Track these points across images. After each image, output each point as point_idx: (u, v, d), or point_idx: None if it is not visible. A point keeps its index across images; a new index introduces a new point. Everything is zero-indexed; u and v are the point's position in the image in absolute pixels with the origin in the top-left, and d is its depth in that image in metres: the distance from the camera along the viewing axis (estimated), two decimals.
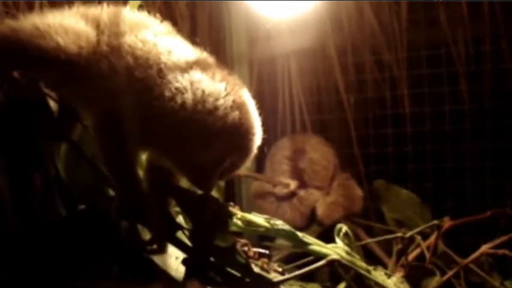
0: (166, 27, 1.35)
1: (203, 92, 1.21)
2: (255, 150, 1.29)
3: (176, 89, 1.21)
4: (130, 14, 1.35)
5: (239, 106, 1.24)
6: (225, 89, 1.23)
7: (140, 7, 1.68)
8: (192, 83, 1.22)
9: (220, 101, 1.21)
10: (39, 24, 1.24)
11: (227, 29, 2.65)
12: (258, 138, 1.29)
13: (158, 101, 1.20)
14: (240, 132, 1.24)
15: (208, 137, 1.22)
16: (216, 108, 1.21)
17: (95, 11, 1.33)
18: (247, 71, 2.73)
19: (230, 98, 1.22)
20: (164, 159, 1.30)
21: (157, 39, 1.28)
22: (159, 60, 1.24)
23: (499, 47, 2.64)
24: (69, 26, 1.26)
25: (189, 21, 2.48)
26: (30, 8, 2.17)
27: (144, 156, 1.36)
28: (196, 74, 1.23)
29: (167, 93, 1.21)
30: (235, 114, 1.22)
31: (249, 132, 1.26)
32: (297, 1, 2.40)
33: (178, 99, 1.20)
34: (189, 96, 1.20)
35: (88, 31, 1.27)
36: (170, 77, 1.22)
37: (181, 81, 1.22)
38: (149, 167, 1.37)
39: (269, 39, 2.79)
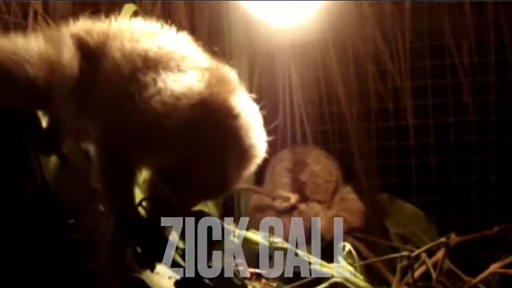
0: (184, 36, 1.34)
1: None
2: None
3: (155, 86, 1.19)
4: (141, 24, 1.33)
5: (236, 116, 1.25)
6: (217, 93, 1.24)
7: (135, 13, 1.64)
8: (165, 83, 1.19)
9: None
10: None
11: (227, 41, 2.61)
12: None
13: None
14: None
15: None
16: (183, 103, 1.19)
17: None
18: (247, 83, 2.69)
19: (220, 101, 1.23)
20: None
21: (174, 46, 1.27)
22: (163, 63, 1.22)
23: (504, 56, 2.59)
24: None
25: (188, 27, 2.44)
26: (23, 14, 2.12)
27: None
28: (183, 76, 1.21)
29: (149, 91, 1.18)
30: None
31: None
32: (298, 10, 2.36)
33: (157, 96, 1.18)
34: (166, 92, 1.18)
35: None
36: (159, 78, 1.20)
37: (161, 79, 1.19)
38: (149, 186, 1.34)
39: (269, 49, 2.75)
